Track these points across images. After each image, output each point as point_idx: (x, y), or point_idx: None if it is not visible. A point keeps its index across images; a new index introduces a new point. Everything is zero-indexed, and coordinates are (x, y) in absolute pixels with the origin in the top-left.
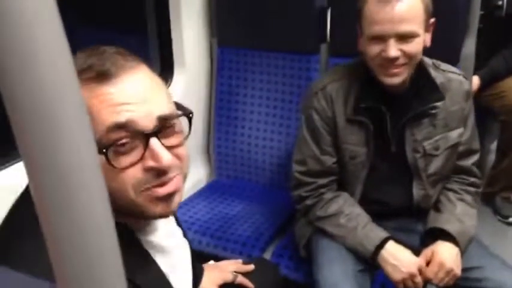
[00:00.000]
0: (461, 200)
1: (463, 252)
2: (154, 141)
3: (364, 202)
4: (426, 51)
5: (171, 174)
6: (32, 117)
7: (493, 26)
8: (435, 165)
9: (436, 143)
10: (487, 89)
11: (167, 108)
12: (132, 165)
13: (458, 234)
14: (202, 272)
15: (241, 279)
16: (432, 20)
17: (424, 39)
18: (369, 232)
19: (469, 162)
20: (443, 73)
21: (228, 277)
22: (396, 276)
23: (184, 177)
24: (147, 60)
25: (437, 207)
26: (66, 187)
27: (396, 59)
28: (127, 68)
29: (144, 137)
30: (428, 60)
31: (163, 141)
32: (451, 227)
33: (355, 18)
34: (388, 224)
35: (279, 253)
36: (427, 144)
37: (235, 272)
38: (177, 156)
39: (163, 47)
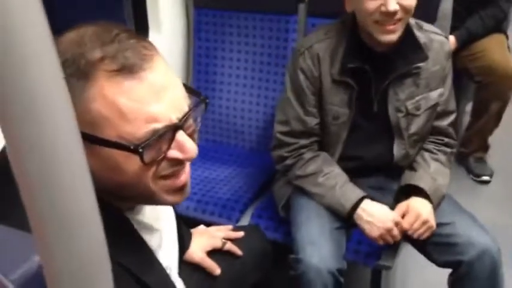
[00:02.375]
0: (436, 159)
1: (435, 210)
2: (181, 133)
3: (343, 159)
4: None
5: (188, 163)
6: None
7: None
8: (416, 124)
9: (418, 103)
10: (463, 50)
11: (187, 98)
12: (158, 158)
13: (431, 191)
14: (190, 237)
15: (229, 245)
16: None
17: None
18: (346, 191)
19: (445, 123)
20: (426, 33)
21: (217, 243)
22: (373, 233)
23: None
24: (121, 21)
25: (411, 166)
26: (49, 169)
27: (395, 13)
28: (149, 59)
29: (174, 129)
30: (411, 21)
31: (186, 129)
32: (424, 184)
33: None
34: (365, 182)
35: (258, 214)
36: (410, 104)
37: (224, 238)
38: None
39: (138, 7)
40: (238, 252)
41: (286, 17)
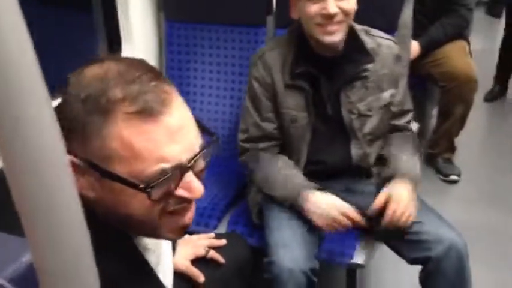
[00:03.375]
0: (403, 151)
1: (414, 195)
2: (189, 174)
3: (310, 164)
4: (365, 19)
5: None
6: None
7: None
8: (370, 124)
9: (369, 104)
10: (427, 57)
11: (199, 139)
12: (166, 196)
13: (409, 173)
14: (175, 247)
15: (212, 254)
16: None
17: None
18: (297, 186)
19: (402, 121)
20: (373, 38)
21: (200, 252)
22: (319, 222)
23: None
24: (93, 36)
25: (383, 163)
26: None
27: (335, 15)
28: (167, 103)
29: (183, 169)
30: (359, 27)
31: (194, 169)
32: (402, 168)
33: None
34: (333, 185)
35: (235, 220)
36: (361, 106)
37: (207, 246)
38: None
39: (109, 21)
40: (221, 260)
41: (255, 29)
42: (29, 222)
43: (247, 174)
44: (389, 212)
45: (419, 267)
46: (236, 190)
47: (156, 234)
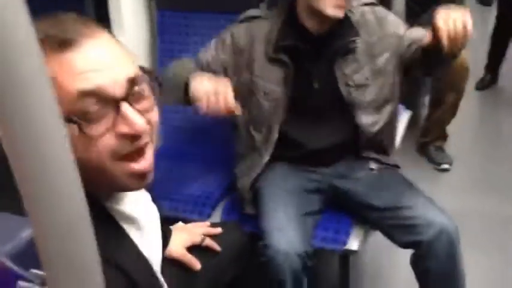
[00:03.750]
0: None
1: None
2: (125, 107)
3: (288, 148)
4: None
5: (142, 141)
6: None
7: None
8: (370, 92)
9: (365, 74)
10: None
11: (133, 69)
12: (105, 132)
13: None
14: (170, 234)
15: (208, 241)
16: None
17: None
18: (187, 71)
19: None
20: (357, 8)
21: (196, 239)
22: (200, 96)
23: (154, 145)
24: None
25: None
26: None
27: None
28: (89, 35)
29: (115, 102)
30: None
31: (135, 105)
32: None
33: None
34: (327, 171)
35: (229, 208)
36: (357, 77)
37: (203, 234)
38: (148, 122)
39: (100, 9)
40: (217, 247)
41: None
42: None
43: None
44: (441, 15)
45: (412, 253)
46: (230, 178)
47: (116, 184)
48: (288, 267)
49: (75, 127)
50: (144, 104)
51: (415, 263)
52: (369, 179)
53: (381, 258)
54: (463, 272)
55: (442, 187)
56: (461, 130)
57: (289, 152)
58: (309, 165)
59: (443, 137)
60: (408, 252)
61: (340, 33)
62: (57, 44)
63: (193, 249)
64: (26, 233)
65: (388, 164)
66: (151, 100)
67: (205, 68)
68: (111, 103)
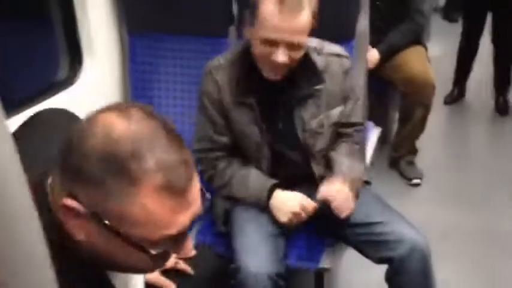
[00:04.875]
0: (346, 156)
1: (354, 198)
2: (188, 235)
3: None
4: (322, 30)
5: None
6: None
7: (390, 2)
8: (321, 142)
9: (321, 121)
10: (386, 62)
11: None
12: (165, 253)
13: (348, 174)
14: None
15: (181, 265)
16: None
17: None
18: (257, 186)
19: (350, 130)
20: (325, 56)
21: (169, 263)
22: (282, 218)
23: None
24: (54, 49)
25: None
26: None
27: (284, 63)
28: (191, 177)
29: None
30: (312, 44)
31: None
32: (342, 170)
33: None
34: (299, 191)
35: (204, 231)
36: (314, 123)
37: (176, 257)
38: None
39: (70, 35)
40: (189, 270)
41: (217, 39)
42: None
43: (205, 183)
44: (330, 198)
45: (387, 269)
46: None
47: (131, 272)
48: None
49: (144, 254)
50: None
51: (389, 279)
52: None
53: (356, 275)
54: (435, 286)
55: (414, 201)
56: (431, 144)
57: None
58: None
59: (413, 151)
60: (383, 268)
61: (302, 80)
62: (166, 186)
63: (166, 272)
64: None
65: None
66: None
67: (227, 143)
68: (182, 233)
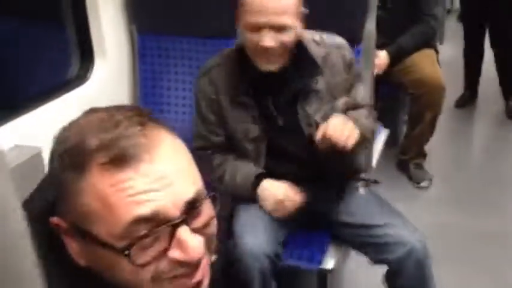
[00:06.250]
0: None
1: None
2: (182, 230)
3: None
4: (328, 32)
5: (197, 262)
6: None
7: (401, 5)
8: None
9: (326, 114)
10: (397, 65)
11: (195, 188)
12: (155, 259)
13: (353, 117)
14: None
15: None
16: (304, 10)
17: (297, 28)
18: (245, 175)
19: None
20: (325, 47)
21: None
22: (267, 207)
23: (211, 254)
24: (65, 50)
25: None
26: None
27: (271, 48)
28: (148, 147)
29: (171, 226)
30: (310, 36)
31: (192, 223)
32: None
33: None
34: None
35: None
36: (318, 116)
37: None
38: (207, 237)
39: (82, 35)
40: None
41: (226, 40)
42: None
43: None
44: (330, 132)
45: (386, 270)
46: None
47: None
48: (256, 267)
49: (122, 259)
50: (202, 219)
51: (388, 280)
52: (342, 198)
53: (360, 277)
54: None
55: (421, 204)
56: (440, 147)
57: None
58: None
59: (422, 154)
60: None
61: (300, 72)
62: (109, 159)
63: None
64: None
65: (368, 180)
66: (211, 211)
67: (221, 143)
68: (166, 225)
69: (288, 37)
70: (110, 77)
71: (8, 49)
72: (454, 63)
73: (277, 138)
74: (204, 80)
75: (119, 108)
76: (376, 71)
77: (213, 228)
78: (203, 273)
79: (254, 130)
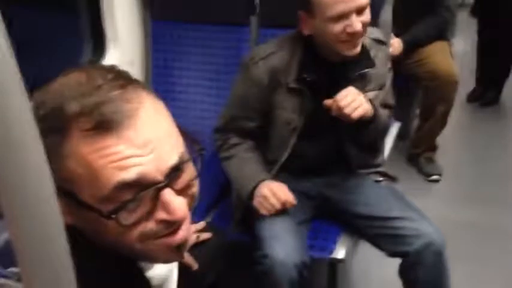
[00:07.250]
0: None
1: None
2: (166, 192)
3: (294, 161)
4: None
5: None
6: None
7: None
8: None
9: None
10: (410, 56)
11: (177, 152)
12: (141, 220)
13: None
14: None
15: (186, 258)
16: None
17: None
18: (250, 176)
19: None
20: (372, 42)
21: (192, 239)
22: (257, 205)
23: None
24: (79, 37)
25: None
26: None
27: (360, 31)
28: (131, 113)
29: (155, 189)
30: None
31: (175, 184)
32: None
33: None
34: (319, 180)
35: (219, 217)
36: None
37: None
38: (189, 197)
39: (95, 20)
40: (194, 266)
41: (239, 28)
42: (6, 204)
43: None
44: (339, 102)
45: (401, 262)
46: (220, 187)
47: (150, 260)
48: (285, 277)
49: (109, 221)
50: (184, 178)
51: (404, 272)
52: (359, 189)
53: (370, 268)
54: (449, 282)
55: (432, 198)
56: (452, 141)
57: (288, 164)
58: (302, 175)
59: (433, 148)
60: (398, 262)
61: (355, 62)
62: (93, 125)
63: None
64: (5, 235)
65: (387, 175)
66: (193, 171)
67: (253, 129)
68: (151, 189)
69: (367, 17)
70: (122, 63)
71: (16, 35)
72: (465, 57)
73: (313, 130)
74: (259, 66)
75: (96, 68)
76: None
77: (195, 188)
78: (187, 232)
79: (298, 121)
